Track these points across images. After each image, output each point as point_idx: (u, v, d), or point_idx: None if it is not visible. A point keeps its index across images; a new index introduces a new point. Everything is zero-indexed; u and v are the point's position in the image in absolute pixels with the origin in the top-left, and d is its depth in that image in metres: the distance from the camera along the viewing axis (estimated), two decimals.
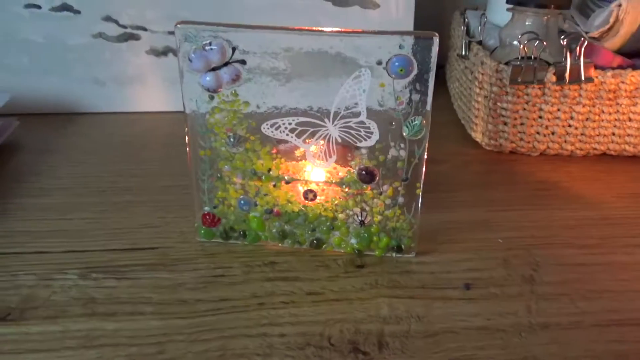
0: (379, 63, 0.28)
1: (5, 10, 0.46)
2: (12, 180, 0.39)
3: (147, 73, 0.49)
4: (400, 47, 0.27)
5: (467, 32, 0.48)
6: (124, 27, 0.48)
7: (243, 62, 0.28)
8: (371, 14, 0.49)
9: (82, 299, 0.29)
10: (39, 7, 0.46)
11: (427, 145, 0.29)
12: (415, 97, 0.28)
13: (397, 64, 0.27)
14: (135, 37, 0.48)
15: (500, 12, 0.47)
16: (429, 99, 0.28)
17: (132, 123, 0.48)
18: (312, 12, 0.49)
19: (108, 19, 0.47)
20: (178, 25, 0.28)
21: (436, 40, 0.27)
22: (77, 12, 0.47)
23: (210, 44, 0.28)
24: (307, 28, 0.28)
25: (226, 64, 0.28)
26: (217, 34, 0.28)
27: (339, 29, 0.27)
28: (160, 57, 0.49)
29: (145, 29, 0.48)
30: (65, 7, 0.47)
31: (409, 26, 0.50)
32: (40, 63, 0.48)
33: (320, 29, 0.28)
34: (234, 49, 0.28)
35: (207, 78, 0.29)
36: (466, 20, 0.46)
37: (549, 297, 0.29)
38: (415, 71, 0.27)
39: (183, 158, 0.42)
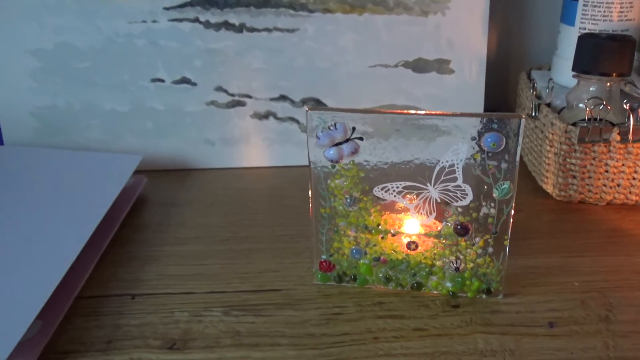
0: (474, 139, 0.34)
1: (136, 85, 0.55)
2: (151, 230, 0.47)
3: (250, 134, 0.56)
4: (492, 126, 0.33)
5: (535, 90, 0.53)
6: (232, 95, 0.55)
7: (360, 138, 0.35)
8: (447, 79, 0.56)
9: (229, 332, 0.35)
10: (162, 80, 0.55)
11: (513, 204, 0.35)
12: (504, 165, 0.34)
13: (489, 139, 0.33)
14: (242, 104, 0.56)
15: (565, 74, 0.52)
16: (516, 167, 0.34)
17: (239, 178, 0.55)
18: (395, 78, 0.55)
19: (219, 89, 0.55)
20: (309, 111, 0.35)
21: (523, 120, 0.33)
22: (194, 84, 0.55)
23: (334, 125, 0.35)
24: (415, 112, 0.34)
25: (347, 140, 0.35)
26: (340, 116, 0.35)
27: (443, 112, 0.34)
28: (262, 120, 0.56)
29: (250, 97, 0.55)
30: (184, 80, 0.55)
31: (481, 88, 0.56)
32: (161, 127, 0.56)
33: (426, 112, 0.34)
34: (353, 129, 0.35)
35: (331, 152, 0.35)
36: (535, 86, 0.52)
37: (624, 334, 0.34)
38: (504, 145, 0.33)
39: (286, 209, 0.49)
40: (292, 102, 0.56)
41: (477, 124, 0.33)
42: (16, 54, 0.53)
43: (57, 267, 0.38)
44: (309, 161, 0.36)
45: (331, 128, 0.35)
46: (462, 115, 0.34)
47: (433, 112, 0.34)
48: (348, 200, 0.37)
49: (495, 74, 0.61)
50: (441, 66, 0.56)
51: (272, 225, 0.47)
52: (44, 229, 0.43)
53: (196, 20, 0.54)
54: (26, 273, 0.38)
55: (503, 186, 0.34)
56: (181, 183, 0.54)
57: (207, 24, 0.54)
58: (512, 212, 0.35)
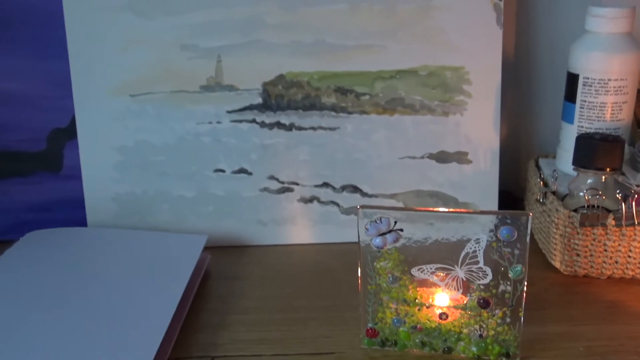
0: (491, 231, 0.42)
1: (201, 174, 0.64)
2: (218, 301, 0.55)
3: (297, 215, 0.65)
4: (506, 221, 0.42)
5: (543, 179, 0.62)
6: (282, 182, 0.65)
7: (401, 229, 0.44)
8: (466, 168, 0.65)
9: None
10: (223, 171, 0.65)
11: (526, 283, 0.43)
12: (517, 252, 0.43)
13: (504, 232, 0.42)
14: (290, 190, 0.65)
15: (568, 164, 0.61)
16: (527, 253, 0.42)
17: (288, 253, 0.64)
18: (421, 168, 0.65)
19: (271, 177, 0.65)
20: (360, 209, 0.44)
21: (530, 217, 0.41)
22: (250, 173, 0.65)
23: (380, 219, 0.44)
24: (446, 210, 0.43)
25: (390, 231, 0.44)
26: (384, 213, 0.44)
27: (467, 210, 0.43)
28: (307, 204, 0.65)
29: (297, 184, 0.65)
30: (242, 170, 0.65)
31: (495, 175, 0.65)
32: (221, 210, 0.65)
33: (453, 209, 0.43)
34: (395, 222, 0.44)
35: (377, 240, 0.44)
36: (542, 174, 0.61)
37: None
38: (516, 236, 0.42)
39: (331, 282, 0.57)
40: (333, 188, 0.65)
41: (494, 219, 0.42)
42: (103, 150, 0.64)
43: (153, 335, 0.46)
44: (360, 247, 0.45)
45: (377, 222, 0.44)
46: (482, 212, 0.43)
47: (458, 210, 0.43)
48: (390, 278, 0.45)
49: (509, 161, 0.70)
50: (460, 157, 0.65)
51: (321, 296, 0.55)
52: (134, 302, 0.51)
53: (253, 121, 0.64)
54: (125, 341, 0.46)
55: (516, 268, 0.43)
56: (239, 259, 0.63)
57: (262, 124, 0.64)
58: (525, 288, 0.43)
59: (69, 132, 0.65)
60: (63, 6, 0.61)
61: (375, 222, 0.44)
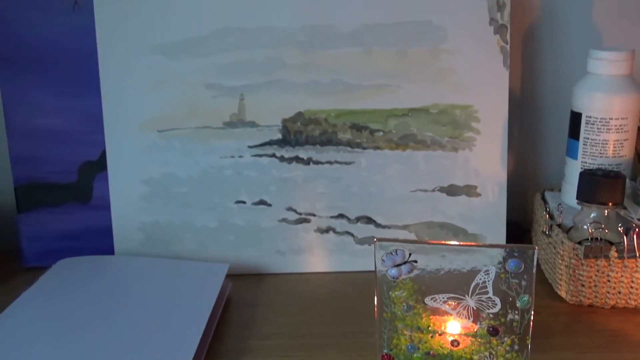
0: (500, 263, 0.46)
1: (223, 206, 0.68)
2: (240, 327, 0.58)
3: (314, 245, 0.69)
4: (514, 254, 0.45)
5: (549, 212, 0.65)
6: (300, 214, 0.68)
7: (415, 261, 0.47)
8: (474, 201, 0.68)
9: None
10: (244, 202, 0.68)
11: (532, 312, 0.46)
12: (524, 283, 0.45)
13: (512, 264, 0.45)
14: (307, 221, 0.68)
15: (572, 197, 0.64)
16: (533, 284, 0.45)
17: (305, 281, 0.67)
18: (432, 200, 0.68)
19: (290, 209, 0.68)
20: (377, 242, 0.47)
21: (536, 251, 0.45)
22: (270, 205, 0.68)
23: (395, 251, 0.47)
24: (457, 243, 0.46)
25: (405, 262, 0.47)
26: (399, 245, 0.47)
27: (479, 244, 0.46)
28: (324, 234, 0.69)
29: (314, 215, 0.68)
30: (262, 202, 0.68)
31: (503, 208, 0.69)
32: (242, 240, 0.68)
33: (464, 243, 0.46)
34: (409, 254, 0.47)
35: (393, 271, 0.47)
36: (548, 207, 0.64)
37: None
38: (523, 268, 0.45)
39: (346, 309, 0.60)
40: (349, 219, 0.69)
41: (502, 252, 0.45)
42: (131, 182, 0.68)
43: None
44: (376, 277, 0.48)
45: (393, 253, 0.47)
46: (491, 246, 0.46)
47: (469, 244, 0.46)
48: (405, 307, 0.48)
49: (516, 194, 0.73)
50: (469, 190, 0.68)
51: (338, 323, 0.58)
52: (161, 328, 0.54)
53: (273, 155, 0.68)
54: None
55: (524, 298, 0.46)
56: (258, 286, 0.66)
57: (281, 158, 0.68)
58: (532, 317, 0.46)
59: (99, 164, 0.68)
60: (98, 48, 0.65)
61: (391, 254, 0.47)
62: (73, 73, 0.67)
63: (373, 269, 0.48)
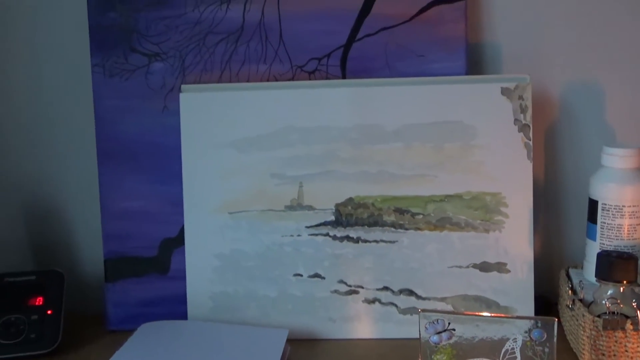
0: (526, 332, 0.54)
1: (282, 278, 0.78)
2: None
3: (362, 314, 0.78)
4: (538, 324, 0.54)
5: (572, 288, 0.73)
6: (350, 286, 0.78)
7: (454, 329, 0.56)
8: (505, 277, 0.77)
9: None
10: (301, 275, 0.78)
11: None
12: (547, 350, 0.54)
13: (536, 333, 0.54)
14: (356, 292, 0.78)
15: (592, 274, 0.72)
16: (554, 351, 0.54)
17: (354, 347, 0.76)
18: (467, 276, 0.77)
19: (341, 281, 0.78)
20: (421, 312, 0.56)
21: (556, 322, 0.53)
22: (323, 278, 0.78)
23: (437, 320, 0.56)
24: (489, 315, 0.55)
25: (445, 330, 0.56)
26: (440, 316, 0.56)
27: (505, 315, 0.55)
28: (370, 304, 0.78)
29: (362, 287, 0.78)
30: (316, 275, 0.78)
31: (531, 283, 0.77)
32: (299, 308, 0.78)
33: (495, 314, 0.55)
34: (449, 323, 0.56)
35: (434, 338, 0.56)
36: (571, 283, 0.72)
37: None
38: (546, 337, 0.54)
39: None
40: (392, 291, 0.78)
41: (528, 323, 0.54)
42: (205, 257, 0.79)
43: None
44: (420, 343, 0.57)
45: (435, 322, 0.56)
46: (518, 317, 0.54)
47: (499, 315, 0.55)
48: None
49: (543, 270, 0.82)
50: (500, 267, 0.77)
51: None
52: None
53: (327, 234, 0.78)
54: None
55: None
56: (313, 350, 0.75)
57: (334, 237, 0.78)
58: None
59: (177, 241, 0.80)
60: (181, 144, 0.78)
61: (433, 322, 0.56)
62: (159, 164, 0.80)
63: (414, 336, 0.57)
